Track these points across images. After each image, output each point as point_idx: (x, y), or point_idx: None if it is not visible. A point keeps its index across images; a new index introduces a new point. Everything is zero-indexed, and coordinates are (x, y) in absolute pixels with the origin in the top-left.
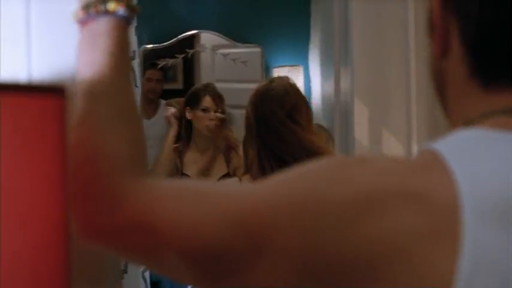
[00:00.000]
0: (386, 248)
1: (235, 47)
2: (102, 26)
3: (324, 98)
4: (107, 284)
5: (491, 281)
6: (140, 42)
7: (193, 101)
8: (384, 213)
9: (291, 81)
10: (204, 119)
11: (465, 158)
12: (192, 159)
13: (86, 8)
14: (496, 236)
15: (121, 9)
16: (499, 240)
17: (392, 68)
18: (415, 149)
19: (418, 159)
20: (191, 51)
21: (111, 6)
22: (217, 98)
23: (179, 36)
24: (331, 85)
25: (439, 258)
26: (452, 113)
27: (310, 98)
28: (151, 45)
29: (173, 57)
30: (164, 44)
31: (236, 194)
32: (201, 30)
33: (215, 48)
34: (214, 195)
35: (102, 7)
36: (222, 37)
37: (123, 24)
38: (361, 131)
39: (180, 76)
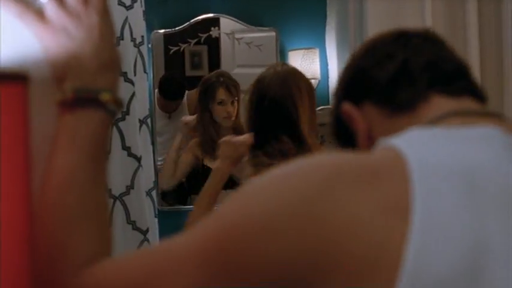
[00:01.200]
0: (342, 234)
1: (249, 31)
2: (88, 121)
3: None
4: None
5: (442, 241)
6: (150, 27)
7: (208, 95)
8: (333, 202)
9: (274, 68)
10: (221, 111)
11: (412, 143)
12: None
13: (76, 92)
14: (443, 201)
15: (111, 104)
16: (447, 205)
17: None
18: None
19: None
20: (204, 35)
21: (105, 96)
22: (232, 87)
23: (191, 21)
24: None
25: (391, 229)
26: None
27: (327, 81)
28: (162, 30)
29: (186, 42)
30: (176, 28)
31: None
32: (214, 14)
33: (230, 32)
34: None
35: (93, 95)
36: (235, 20)
37: (108, 120)
38: None
39: (205, 62)
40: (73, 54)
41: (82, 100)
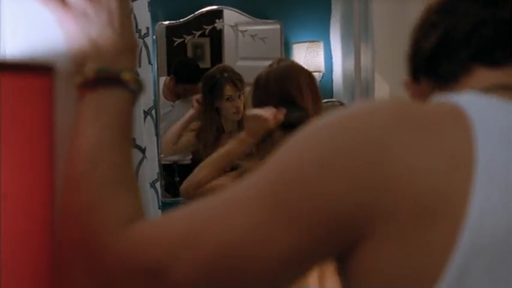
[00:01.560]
0: (403, 187)
1: (253, 23)
2: (112, 98)
3: (345, 74)
4: None
5: (502, 200)
6: (155, 19)
7: (215, 93)
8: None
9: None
10: (230, 107)
11: (470, 102)
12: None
13: (98, 72)
14: (504, 161)
15: (133, 84)
16: (508, 165)
17: None
18: None
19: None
20: (208, 27)
21: (126, 76)
22: (237, 81)
23: (196, 13)
24: (352, 61)
25: (454, 179)
26: None
27: (331, 74)
28: (167, 22)
29: (191, 33)
30: (180, 20)
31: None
32: (218, 6)
33: (234, 24)
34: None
35: (115, 74)
36: (240, 13)
37: (132, 100)
38: None
39: (207, 54)
40: (93, 38)
41: (104, 79)
